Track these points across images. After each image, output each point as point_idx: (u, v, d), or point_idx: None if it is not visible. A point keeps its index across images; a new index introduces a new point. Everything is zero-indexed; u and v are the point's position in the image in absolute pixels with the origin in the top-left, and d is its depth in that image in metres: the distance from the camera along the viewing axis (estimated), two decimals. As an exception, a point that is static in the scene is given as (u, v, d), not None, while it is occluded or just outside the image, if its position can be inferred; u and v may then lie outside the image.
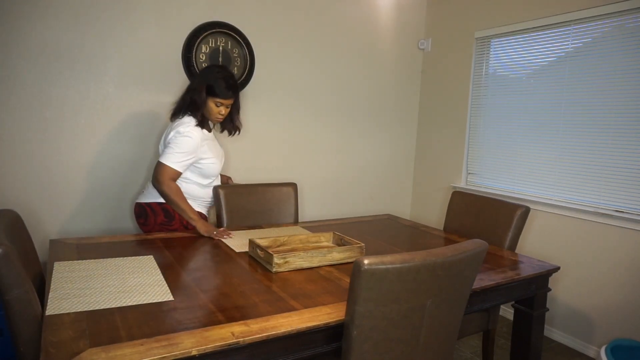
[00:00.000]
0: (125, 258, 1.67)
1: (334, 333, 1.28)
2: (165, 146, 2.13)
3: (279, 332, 1.16)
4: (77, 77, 2.42)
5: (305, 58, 3.14)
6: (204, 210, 2.32)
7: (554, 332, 2.79)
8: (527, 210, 2.21)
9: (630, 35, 2.40)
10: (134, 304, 1.28)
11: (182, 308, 1.27)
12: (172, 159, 2.07)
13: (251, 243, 1.78)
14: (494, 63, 3.16)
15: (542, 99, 2.82)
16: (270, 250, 1.67)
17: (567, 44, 2.69)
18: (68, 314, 1.19)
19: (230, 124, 2.32)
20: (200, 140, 2.14)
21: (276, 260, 1.60)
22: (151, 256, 1.71)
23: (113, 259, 1.66)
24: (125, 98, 2.56)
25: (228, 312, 1.25)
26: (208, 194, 2.32)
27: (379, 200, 3.67)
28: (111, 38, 2.48)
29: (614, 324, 2.50)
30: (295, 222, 2.58)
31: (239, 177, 2.98)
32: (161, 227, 2.18)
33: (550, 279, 1.94)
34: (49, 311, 1.20)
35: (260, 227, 2.33)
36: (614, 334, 2.50)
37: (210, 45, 2.71)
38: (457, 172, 3.42)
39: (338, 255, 1.74)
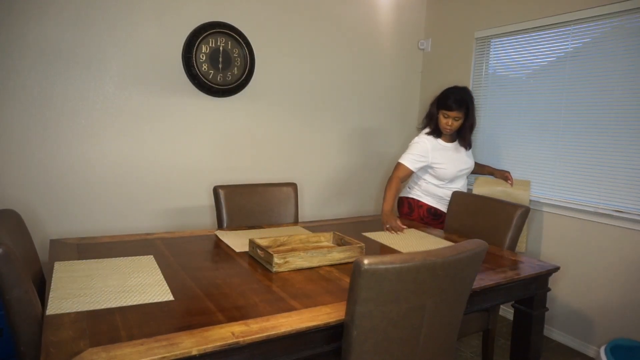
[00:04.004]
0: (125, 258, 1.67)
1: (334, 333, 1.28)
2: None
3: (279, 332, 1.16)
4: (77, 77, 2.42)
5: (305, 58, 3.14)
6: (441, 207, 2.69)
7: (554, 332, 2.79)
8: (527, 210, 2.21)
9: (630, 35, 2.40)
10: (134, 304, 1.28)
11: (182, 308, 1.27)
12: (403, 158, 2.60)
13: (251, 243, 1.78)
14: (494, 63, 3.16)
15: (542, 99, 2.82)
16: (270, 250, 1.67)
17: (567, 44, 2.69)
18: (68, 314, 1.19)
19: (462, 140, 2.64)
20: (430, 146, 2.58)
21: (276, 260, 1.60)
22: (151, 256, 1.71)
23: (113, 259, 1.66)
24: (125, 98, 2.56)
25: (228, 312, 1.25)
26: (445, 193, 2.66)
27: (379, 201, 3.67)
28: (111, 38, 2.48)
29: (614, 324, 2.50)
30: (295, 222, 2.58)
31: (239, 177, 2.99)
32: (405, 216, 2.74)
33: (550, 279, 1.94)
34: (49, 311, 1.20)
35: (260, 227, 2.33)
36: (613, 334, 2.50)
37: (210, 45, 2.71)
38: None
39: (338, 255, 1.74)
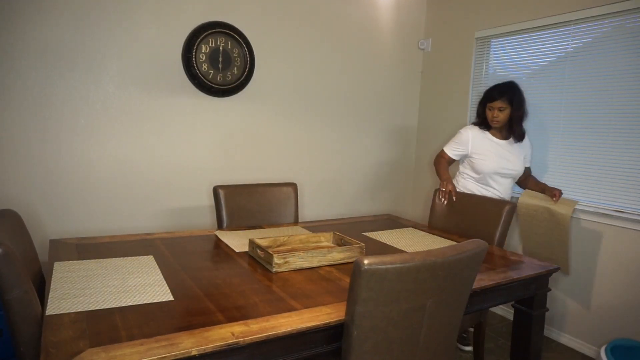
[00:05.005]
0: (125, 258, 1.67)
1: (334, 333, 1.28)
2: None
3: (279, 332, 1.16)
4: (77, 77, 2.42)
5: (305, 58, 3.14)
6: None
7: (554, 332, 2.79)
8: (514, 206, 2.29)
9: (630, 35, 2.40)
10: (134, 304, 1.28)
11: (182, 308, 1.27)
12: (446, 146, 2.69)
13: (251, 243, 1.78)
14: (494, 63, 3.15)
15: (542, 99, 2.82)
16: (270, 250, 1.67)
17: (567, 44, 2.69)
18: (68, 314, 1.19)
19: (511, 131, 2.57)
20: (470, 135, 2.60)
21: (276, 260, 1.60)
22: (151, 256, 1.71)
23: (113, 259, 1.66)
24: (125, 98, 2.56)
25: (228, 312, 1.25)
26: (481, 192, 2.62)
27: (379, 200, 3.67)
28: (111, 38, 2.48)
29: (614, 324, 2.50)
30: (295, 222, 2.58)
31: (239, 177, 2.98)
32: None
33: (550, 279, 1.93)
34: (49, 311, 1.20)
35: (260, 227, 2.33)
36: (614, 334, 2.50)
37: (210, 45, 2.71)
38: (457, 172, 3.42)
39: (338, 255, 1.74)
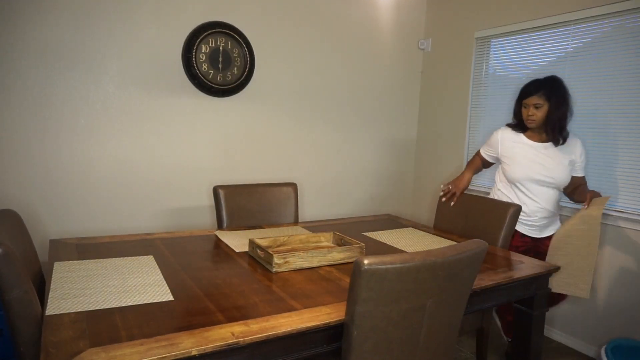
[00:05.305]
0: (125, 258, 1.67)
1: (334, 333, 1.28)
2: None
3: (279, 332, 1.16)
4: (77, 77, 2.42)
5: (305, 58, 3.14)
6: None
7: (554, 332, 2.79)
8: (519, 208, 2.22)
9: (630, 35, 2.40)
10: (134, 304, 1.28)
11: (182, 308, 1.27)
12: (483, 146, 2.55)
13: (251, 243, 1.78)
14: (494, 63, 3.16)
15: (542, 99, 2.82)
16: (270, 250, 1.67)
17: (567, 44, 2.69)
18: (68, 314, 1.19)
19: (550, 132, 2.25)
20: (500, 136, 2.39)
21: (276, 260, 1.60)
22: (151, 256, 1.71)
23: (113, 259, 1.66)
24: (125, 98, 2.56)
25: (228, 312, 1.25)
26: (511, 198, 2.37)
27: (379, 200, 3.67)
28: (111, 38, 2.48)
29: (614, 324, 2.50)
30: (295, 222, 2.58)
31: (239, 177, 2.98)
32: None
33: (550, 279, 1.93)
34: (49, 311, 1.20)
35: (260, 227, 2.33)
36: (614, 334, 2.50)
37: (210, 45, 2.71)
38: (457, 172, 3.42)
39: (338, 255, 1.74)
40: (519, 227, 2.34)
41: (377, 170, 3.62)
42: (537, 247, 2.37)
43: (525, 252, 2.31)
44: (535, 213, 2.33)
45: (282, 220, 2.56)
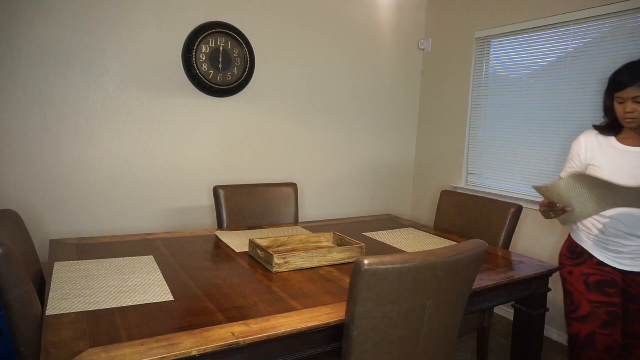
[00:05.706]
0: (125, 258, 1.67)
1: (334, 333, 1.28)
2: None
3: (279, 332, 1.16)
4: (77, 77, 2.42)
5: (305, 58, 3.14)
6: (586, 242, 1.79)
7: (554, 332, 2.79)
8: (519, 208, 2.24)
9: (630, 35, 2.40)
10: (134, 304, 1.28)
11: (182, 308, 1.27)
12: (562, 172, 1.87)
13: (251, 243, 1.78)
14: (494, 63, 3.16)
15: (542, 99, 2.82)
16: (270, 250, 1.67)
17: (567, 44, 2.69)
18: (68, 314, 1.19)
19: None
20: (583, 142, 1.78)
21: (276, 260, 1.60)
22: (151, 256, 1.71)
23: (113, 259, 1.66)
24: (125, 98, 2.56)
25: (228, 312, 1.25)
26: (594, 221, 1.76)
27: (379, 200, 3.67)
28: (111, 38, 2.48)
29: (614, 324, 2.50)
30: (295, 222, 2.58)
31: (239, 177, 2.98)
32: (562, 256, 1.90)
33: (550, 279, 1.93)
34: (49, 311, 1.20)
35: (260, 227, 2.33)
36: (614, 334, 2.50)
37: (210, 45, 2.71)
38: (457, 172, 3.42)
39: (338, 255, 1.74)
40: (586, 241, 1.79)
41: (377, 170, 3.62)
42: (581, 255, 1.82)
43: (565, 254, 1.89)
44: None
45: (282, 220, 2.56)
